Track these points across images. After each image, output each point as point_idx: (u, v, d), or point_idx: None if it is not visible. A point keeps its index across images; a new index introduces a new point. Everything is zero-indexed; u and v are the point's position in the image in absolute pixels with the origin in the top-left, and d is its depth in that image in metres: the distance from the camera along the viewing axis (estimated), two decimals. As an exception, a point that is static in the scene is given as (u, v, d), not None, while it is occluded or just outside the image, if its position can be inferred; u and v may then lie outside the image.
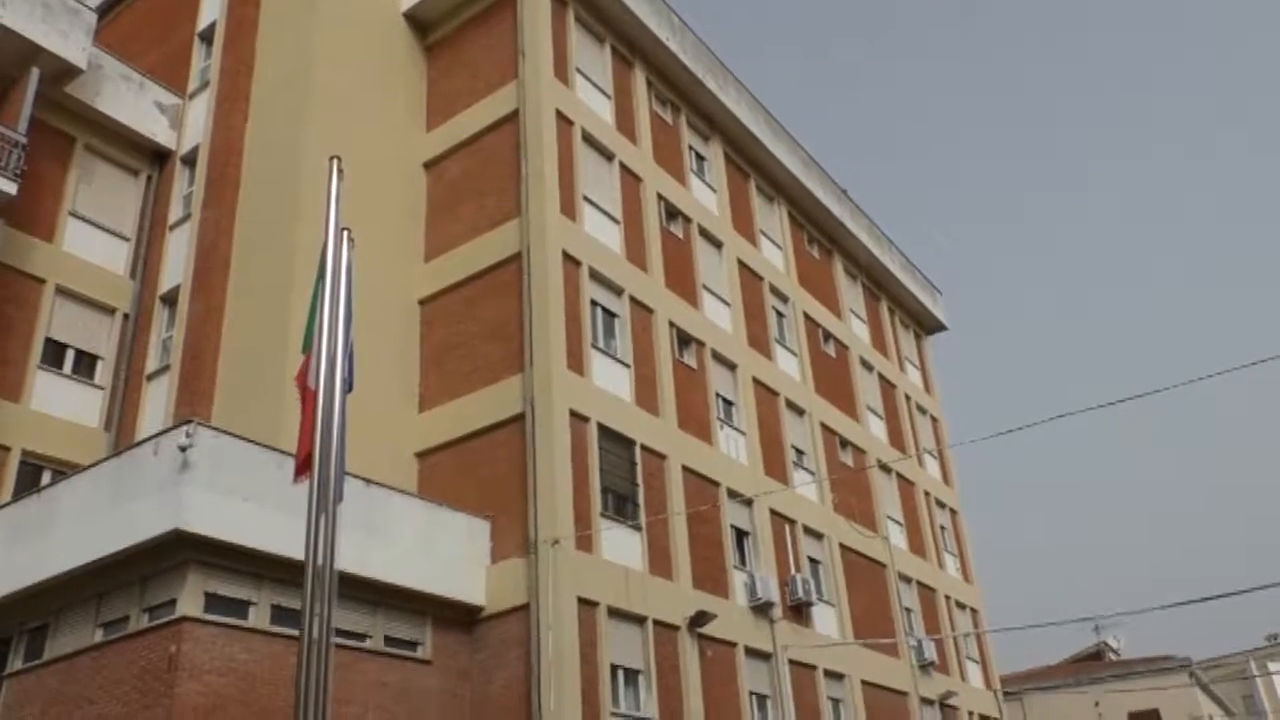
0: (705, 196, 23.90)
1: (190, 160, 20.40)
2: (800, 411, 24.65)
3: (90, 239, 19.23)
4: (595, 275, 18.86)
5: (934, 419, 33.31)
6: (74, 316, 18.61)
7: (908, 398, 31.47)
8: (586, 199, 19.48)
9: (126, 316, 19.27)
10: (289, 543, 11.25)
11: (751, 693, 18.83)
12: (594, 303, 18.68)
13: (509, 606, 15.67)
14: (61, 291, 18.39)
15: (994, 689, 29.66)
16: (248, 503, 12.85)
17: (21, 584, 13.65)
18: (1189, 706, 37.76)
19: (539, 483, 16.10)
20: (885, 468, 27.66)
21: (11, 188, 16.96)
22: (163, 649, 12.00)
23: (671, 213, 22.26)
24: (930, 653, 25.49)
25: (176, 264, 19.28)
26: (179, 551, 12.46)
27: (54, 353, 18.14)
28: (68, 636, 13.41)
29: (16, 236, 17.83)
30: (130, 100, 20.19)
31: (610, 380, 18.26)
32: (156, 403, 18.08)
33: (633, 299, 19.67)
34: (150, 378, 18.62)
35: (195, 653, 12.03)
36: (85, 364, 18.64)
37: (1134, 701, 37.97)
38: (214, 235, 18.57)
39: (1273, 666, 63.01)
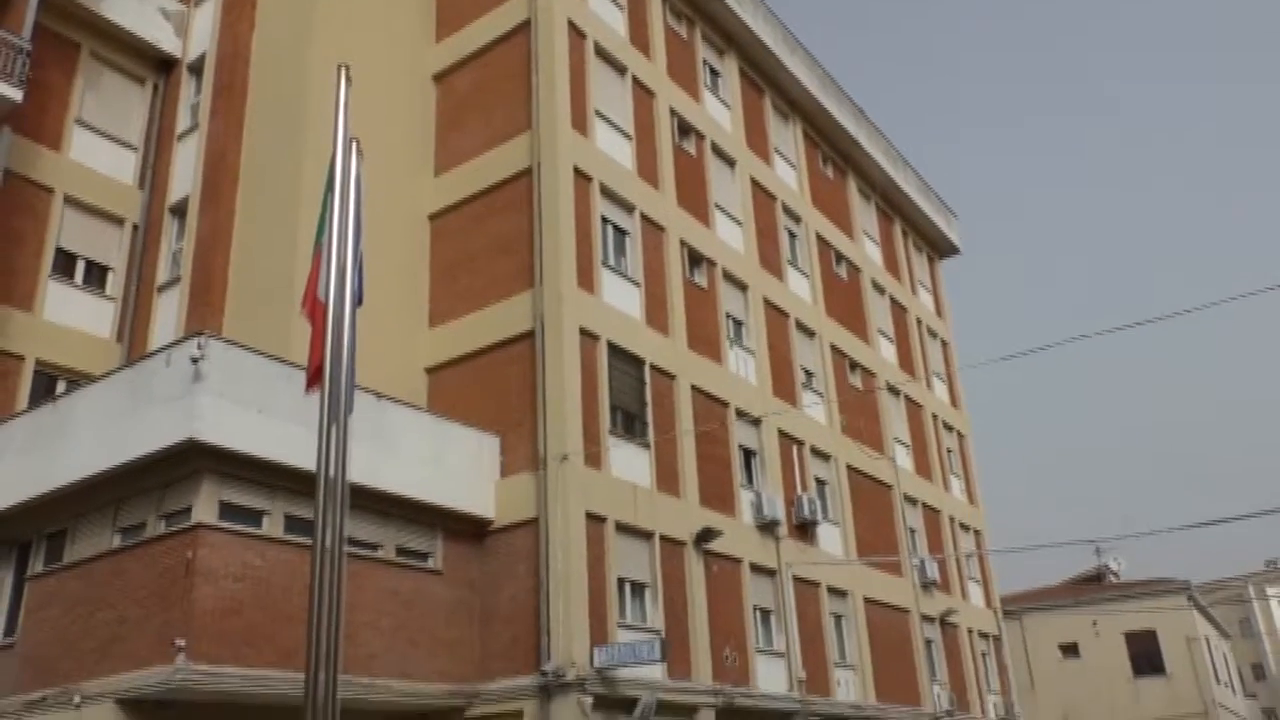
0: (719, 113, 23.52)
1: (197, 69, 20.08)
2: (810, 333, 24.61)
3: (97, 148, 19.07)
4: (606, 192, 18.68)
5: (944, 343, 33.25)
6: (83, 227, 18.56)
7: (919, 321, 31.37)
8: (598, 114, 19.19)
9: (136, 227, 19.22)
10: (301, 454, 11.38)
11: (756, 607, 19.19)
12: (605, 220, 18.54)
13: (518, 520, 15.90)
14: (70, 201, 18.32)
15: (993, 608, 30.17)
16: (260, 414, 12.97)
17: (39, 490, 13.90)
18: (1185, 628, 38.39)
19: (548, 399, 16.19)
20: (894, 390, 27.72)
21: (17, 94, 16.77)
22: (179, 555, 12.25)
23: (684, 129, 21.93)
24: (933, 572, 25.88)
25: (185, 174, 19.14)
26: (193, 461, 12.64)
27: (64, 263, 18.15)
28: (86, 542, 13.69)
29: (23, 145, 17.69)
30: (134, 5, 19.81)
31: (620, 299, 18.21)
32: (167, 315, 18.13)
33: (644, 217, 19.50)
34: (161, 290, 18.64)
35: (211, 559, 12.28)
36: (96, 275, 18.66)
37: (1131, 622, 38.62)
38: (222, 145, 18.38)
39: (1270, 591, 63.90)
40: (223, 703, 12.54)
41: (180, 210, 19.00)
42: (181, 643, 11.62)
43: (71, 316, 17.86)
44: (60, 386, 16.95)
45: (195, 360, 12.49)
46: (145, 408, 13.02)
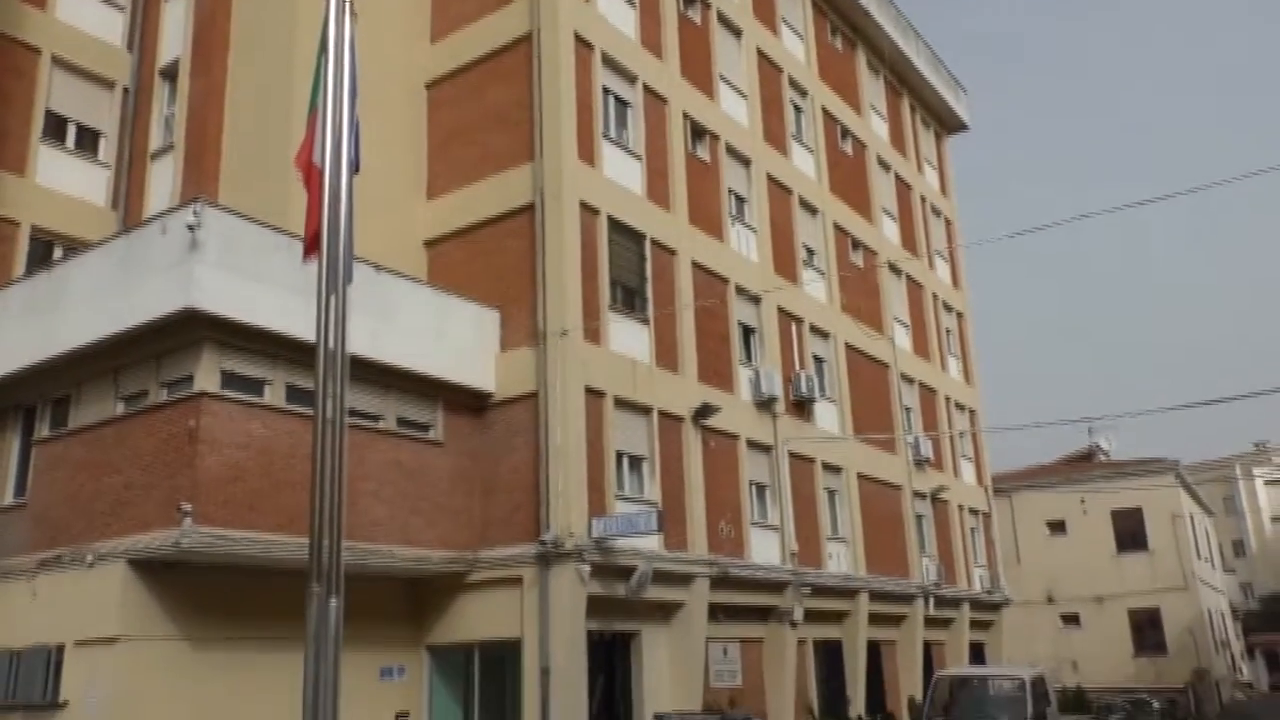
0: (726, -21, 22.67)
1: (182, -77, 19.26)
2: (813, 210, 24.33)
3: (83, 7, 18.49)
4: (608, 61, 18.16)
5: (948, 221, 32.91)
6: (73, 89, 18.14)
7: (923, 199, 30.98)
8: (601, -22, 18.49)
9: (126, 91, 18.77)
10: (301, 324, 11.39)
11: (751, 482, 19.54)
12: (606, 90, 18.08)
13: (518, 394, 16.03)
14: (58, 62, 17.85)
15: (984, 485, 30.75)
16: (258, 283, 12.92)
17: (40, 356, 13.97)
18: (1170, 506, 39.24)
19: (548, 274, 16.11)
20: (895, 269, 27.59)
21: (-2, -51, 16.14)
22: (182, 422, 12.38)
23: (690, -4, 21.19)
24: (926, 450, 26.26)
25: (174, 36, 18.58)
26: (193, 329, 12.65)
27: (55, 126, 17.80)
28: (90, 408, 13.84)
29: (8, 2, 17.12)
30: None
31: (621, 172, 17.92)
32: (162, 182, 17.87)
33: (646, 88, 19.02)
34: (155, 156, 18.32)
35: (214, 427, 12.42)
36: (88, 140, 18.32)
37: (1118, 500, 39.45)
38: (211, 7, 17.79)
39: (1257, 472, 65.15)
40: (229, 565, 12.88)
41: (171, 74, 18.51)
42: (188, 507, 11.85)
43: (65, 182, 17.63)
44: (57, 253, 16.85)
45: (191, 228, 12.36)
46: (142, 276, 12.96)
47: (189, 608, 12.80)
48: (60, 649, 12.65)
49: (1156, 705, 33.07)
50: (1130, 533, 39.42)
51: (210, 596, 12.97)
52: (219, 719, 12.65)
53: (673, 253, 18.71)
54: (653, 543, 16.12)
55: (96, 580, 12.51)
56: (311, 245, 6.54)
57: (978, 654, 28.17)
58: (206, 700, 12.62)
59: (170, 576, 12.60)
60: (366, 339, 13.11)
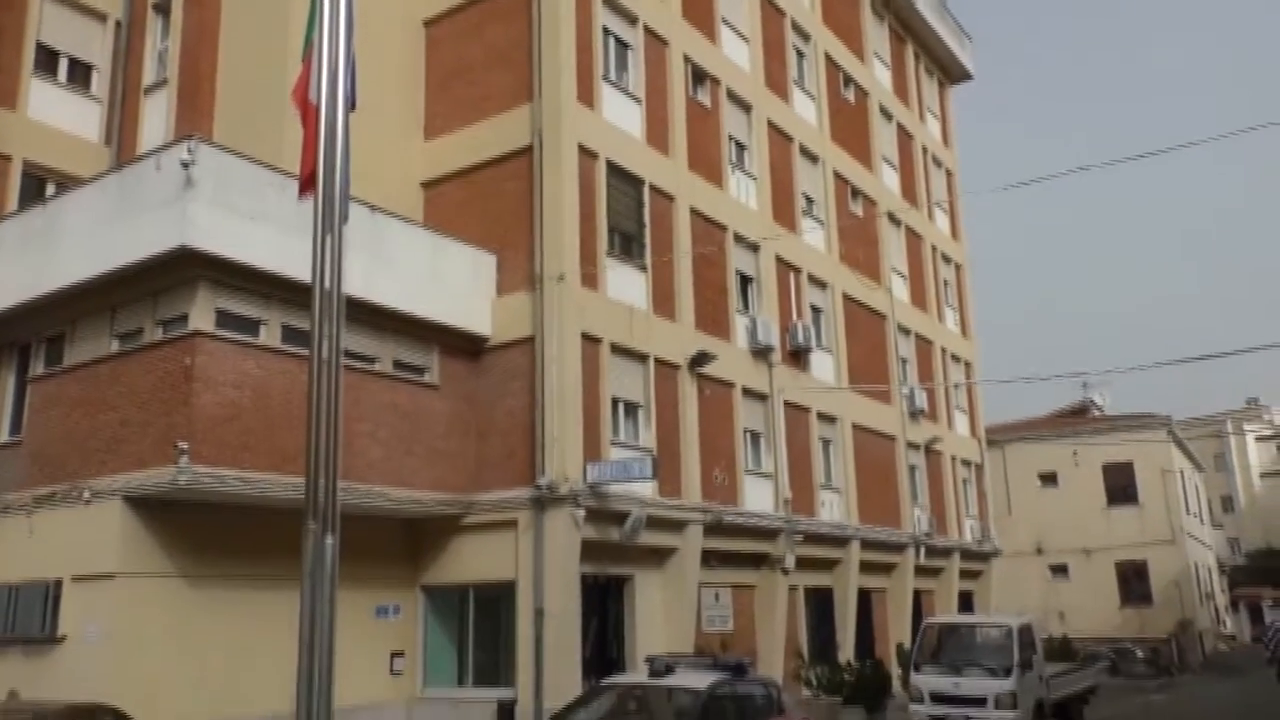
0: (731, -81, 22.23)
1: None
2: (814, 159, 24.12)
3: (74, -63, 18.06)
4: (608, 0, 17.87)
5: (949, 172, 32.66)
6: (64, 21, 17.81)
7: (924, 149, 30.70)
8: (603, -85, 18.11)
9: (119, 24, 18.43)
10: (296, 264, 11.28)
11: (746, 430, 19.61)
12: (606, 31, 17.80)
13: (514, 338, 16.01)
14: (48, -7, 17.49)
15: (978, 437, 30.90)
16: (253, 222, 12.82)
17: (34, 292, 13.88)
18: (1162, 460, 39.53)
19: (545, 218, 16.00)
20: (895, 220, 27.43)
21: (-15, -126, 15.74)
22: (178, 361, 12.36)
23: (694, -65, 20.77)
24: (921, 401, 26.34)
25: (166, -33, 18.21)
26: (187, 268, 12.57)
27: (46, 59, 17.51)
28: (85, 345, 13.80)
29: (-4, -69, 16.76)
30: None
31: (620, 116, 17.71)
32: (156, 118, 17.63)
33: (647, 29, 18.73)
34: (148, 91, 18.05)
35: (210, 366, 12.40)
36: (80, 74, 18.04)
37: (1110, 454, 39.72)
38: (205, -62, 17.42)
39: (1249, 428, 65.55)
40: (226, 504, 12.94)
41: (164, 8, 18.18)
42: (184, 445, 11.87)
43: (57, 116, 17.38)
44: (50, 189, 16.67)
45: (185, 165, 12.22)
46: (136, 213, 12.84)
47: (186, 545, 12.88)
48: (58, 584, 12.75)
49: (1140, 655, 33.65)
50: (1121, 486, 39.76)
51: (207, 534, 13.05)
52: (216, 655, 12.80)
53: (671, 199, 18.58)
54: (647, 489, 16.21)
55: (94, 517, 12.58)
56: (307, 183, 6.46)
57: (966, 603, 28.53)
58: (204, 636, 12.76)
59: (167, 514, 12.66)
60: (362, 280, 13.04)
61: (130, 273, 12.87)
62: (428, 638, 16.26)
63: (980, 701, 15.11)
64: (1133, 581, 39.00)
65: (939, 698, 15.61)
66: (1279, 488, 65.35)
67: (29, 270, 13.99)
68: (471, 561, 15.79)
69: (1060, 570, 39.98)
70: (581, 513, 14.92)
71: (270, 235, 12.80)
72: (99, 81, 18.18)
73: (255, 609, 13.13)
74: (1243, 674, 30.61)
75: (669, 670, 10.03)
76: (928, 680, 15.89)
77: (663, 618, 16.93)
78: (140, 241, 12.64)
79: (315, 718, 6.71)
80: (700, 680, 9.67)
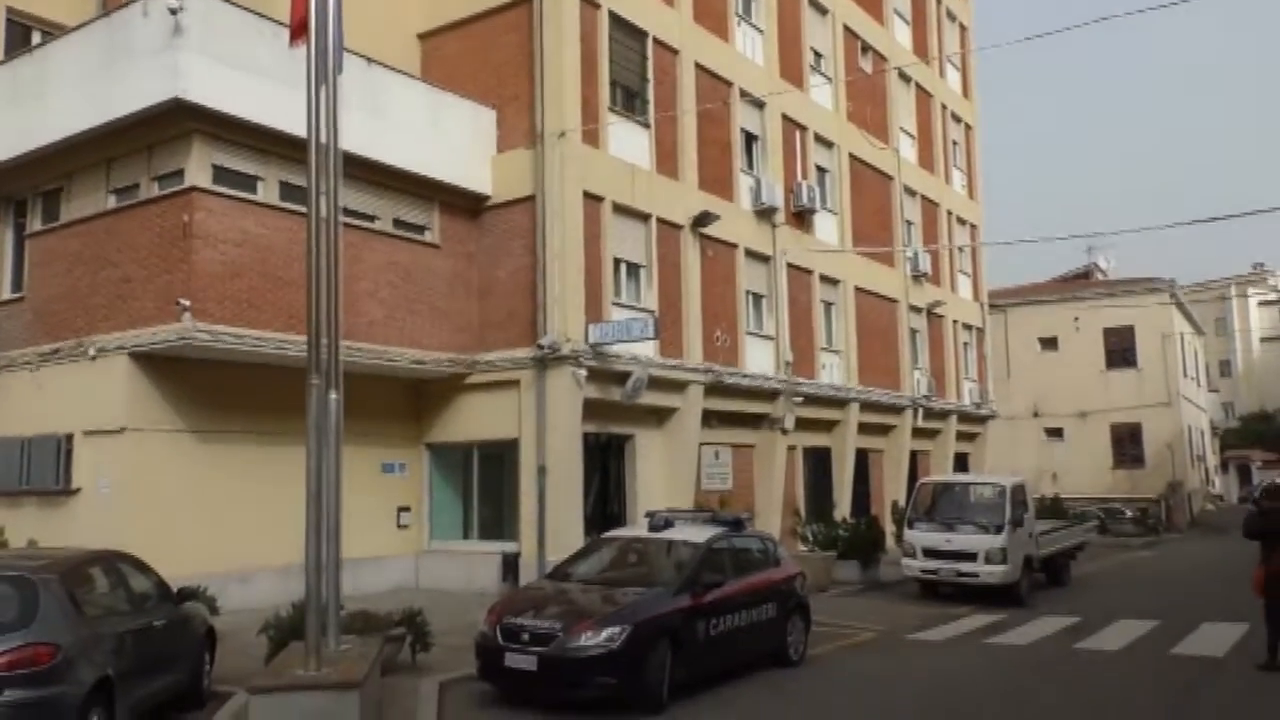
0: None
1: None
2: (823, 11, 23.28)
3: None
4: None
5: (962, 26, 31.56)
6: None
7: (938, 1, 29.58)
8: None
9: None
10: (291, 118, 11.02)
11: (748, 291, 19.56)
12: None
13: (515, 197, 15.80)
14: None
15: (980, 301, 30.85)
16: (246, 73, 12.47)
17: (26, 146, 13.65)
18: (1163, 325, 39.57)
19: (546, 72, 15.56)
20: (904, 77, 26.66)
21: None
22: (176, 217, 12.24)
23: None
24: (924, 264, 26.16)
25: None
26: (181, 121, 12.31)
27: (23, -100, 16.65)
28: (82, 201, 13.64)
29: None
30: None
31: (625, -37, 17.00)
32: (141, -36, 16.91)
33: None
34: (131, -65, 17.27)
35: (208, 222, 12.29)
36: (59, -85, 17.19)
37: (1111, 318, 39.75)
38: None
39: (1252, 292, 65.41)
40: (231, 361, 13.03)
41: None
42: (186, 303, 11.88)
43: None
44: (36, 38, 16.14)
45: (174, 11, 11.83)
46: (126, 63, 12.48)
47: (195, 401, 13.05)
48: (69, 438, 12.97)
49: (1129, 514, 34.49)
50: (1121, 350, 39.92)
51: (216, 391, 13.21)
52: (229, 507, 13.13)
53: (675, 52, 18.02)
54: (649, 349, 16.29)
55: (101, 373, 12.70)
56: (299, 29, 6.26)
57: (962, 465, 29.03)
58: (216, 490, 13.07)
59: (174, 370, 12.78)
60: (359, 136, 12.76)
61: (123, 126, 12.62)
62: (433, 493, 16.66)
63: (971, 556, 15.54)
64: (1126, 444, 39.61)
65: (931, 552, 16.05)
66: (1278, 352, 65.67)
67: (20, 122, 13.71)
68: (475, 420, 16.02)
69: (1055, 433, 40.57)
70: (583, 372, 15.03)
71: (264, 87, 12.47)
72: (79, -77, 17.35)
73: (267, 464, 13.39)
74: (1225, 533, 31.40)
75: (668, 525, 10.26)
76: (921, 536, 16.31)
77: (663, 475, 17.27)
78: (131, 93, 12.34)
79: (325, 567, 6.95)
80: (699, 534, 9.91)
